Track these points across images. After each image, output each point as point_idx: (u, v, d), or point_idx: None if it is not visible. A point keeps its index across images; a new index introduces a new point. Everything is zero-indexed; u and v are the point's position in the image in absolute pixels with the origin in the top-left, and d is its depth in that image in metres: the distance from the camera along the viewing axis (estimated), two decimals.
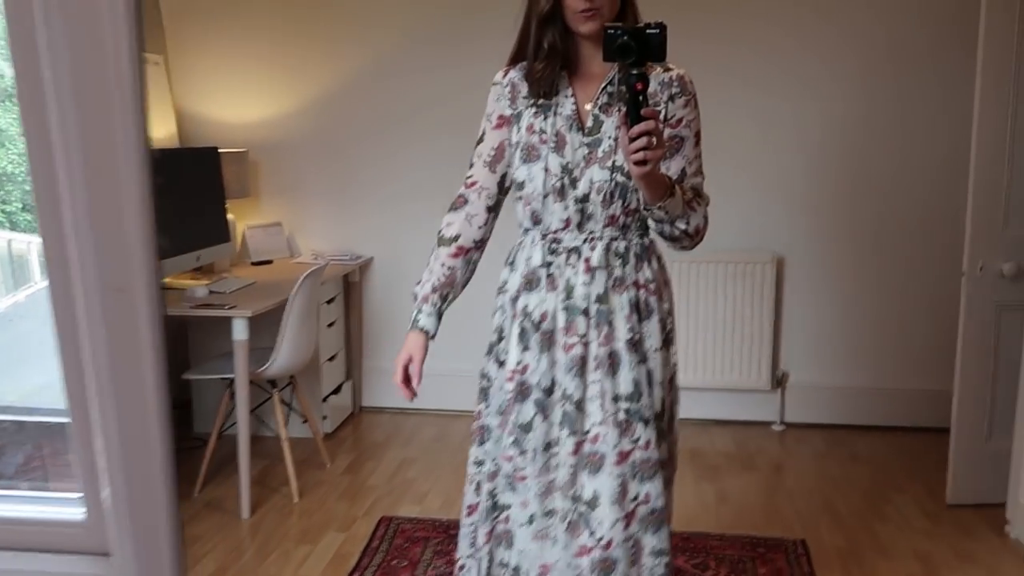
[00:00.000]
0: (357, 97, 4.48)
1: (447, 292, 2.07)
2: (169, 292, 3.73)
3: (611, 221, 1.95)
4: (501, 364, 2.07)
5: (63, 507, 1.38)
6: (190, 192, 3.94)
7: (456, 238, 2.05)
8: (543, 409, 1.98)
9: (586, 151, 1.95)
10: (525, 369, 1.99)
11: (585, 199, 1.94)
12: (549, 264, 1.99)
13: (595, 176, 1.93)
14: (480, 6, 4.18)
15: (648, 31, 1.76)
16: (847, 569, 3.05)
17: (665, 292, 2.04)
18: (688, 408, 4.39)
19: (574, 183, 1.94)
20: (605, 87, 1.97)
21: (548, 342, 1.97)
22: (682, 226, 1.91)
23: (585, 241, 1.96)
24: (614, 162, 1.92)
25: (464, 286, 2.11)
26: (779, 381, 4.40)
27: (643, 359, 1.97)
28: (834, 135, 4.24)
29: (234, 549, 3.22)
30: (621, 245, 1.97)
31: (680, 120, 1.96)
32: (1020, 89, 3.23)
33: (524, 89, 1.99)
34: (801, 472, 3.90)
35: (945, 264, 4.12)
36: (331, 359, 4.34)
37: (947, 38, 4.08)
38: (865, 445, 4.21)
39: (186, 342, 4.20)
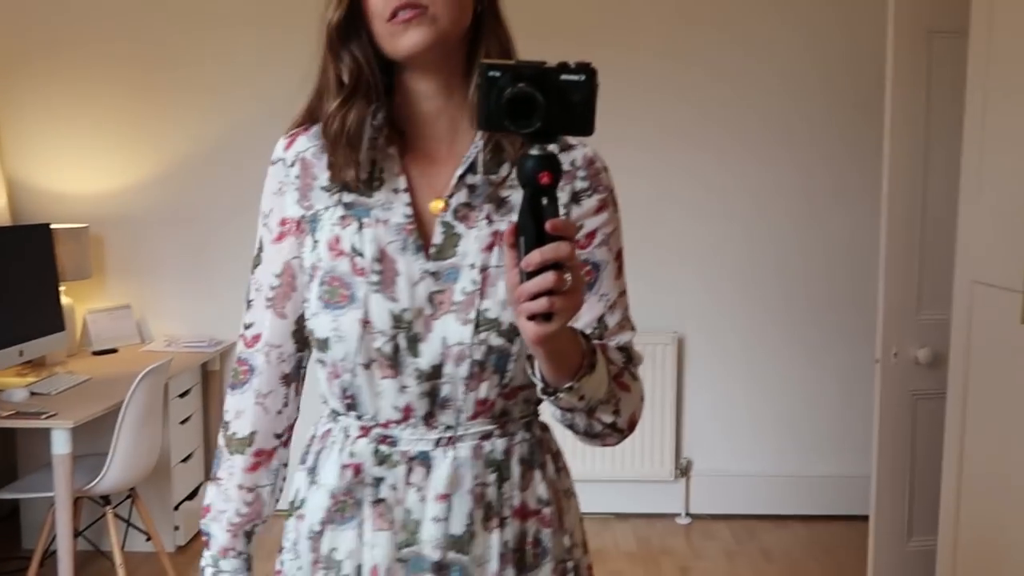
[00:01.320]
0: (213, 165, 4.03)
1: (255, 526, 1.29)
2: None
3: (481, 409, 1.18)
4: None
5: None
6: (16, 276, 3.44)
7: (251, 438, 1.27)
8: None
9: (432, 287, 1.16)
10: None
11: (435, 373, 1.16)
12: (378, 481, 1.19)
13: (449, 334, 1.15)
14: None
15: (563, 76, 0.97)
16: None
17: (567, 516, 1.29)
18: (588, 502, 4.00)
19: (414, 345, 1.15)
20: (464, 174, 1.18)
21: None
22: (607, 419, 1.16)
23: (438, 444, 1.18)
24: (480, 311, 1.14)
25: (276, 504, 1.32)
26: (683, 470, 4.07)
27: None
28: (739, 210, 3.99)
29: None
30: (498, 447, 1.20)
31: (592, 235, 1.21)
32: (929, 173, 3.03)
33: (322, 171, 1.21)
34: (710, 575, 3.55)
35: (856, 344, 3.89)
36: (185, 460, 3.83)
37: (857, 118, 3.88)
38: (777, 538, 3.90)
39: (14, 448, 3.65)
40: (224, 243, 4.07)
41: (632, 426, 1.22)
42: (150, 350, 3.92)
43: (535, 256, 0.94)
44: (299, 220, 1.23)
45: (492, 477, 1.19)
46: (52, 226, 3.69)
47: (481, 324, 1.14)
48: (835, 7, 3.89)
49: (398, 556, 1.17)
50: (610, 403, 1.15)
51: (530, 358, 1.10)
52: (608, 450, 3.93)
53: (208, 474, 3.97)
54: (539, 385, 1.10)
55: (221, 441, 1.28)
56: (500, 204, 1.19)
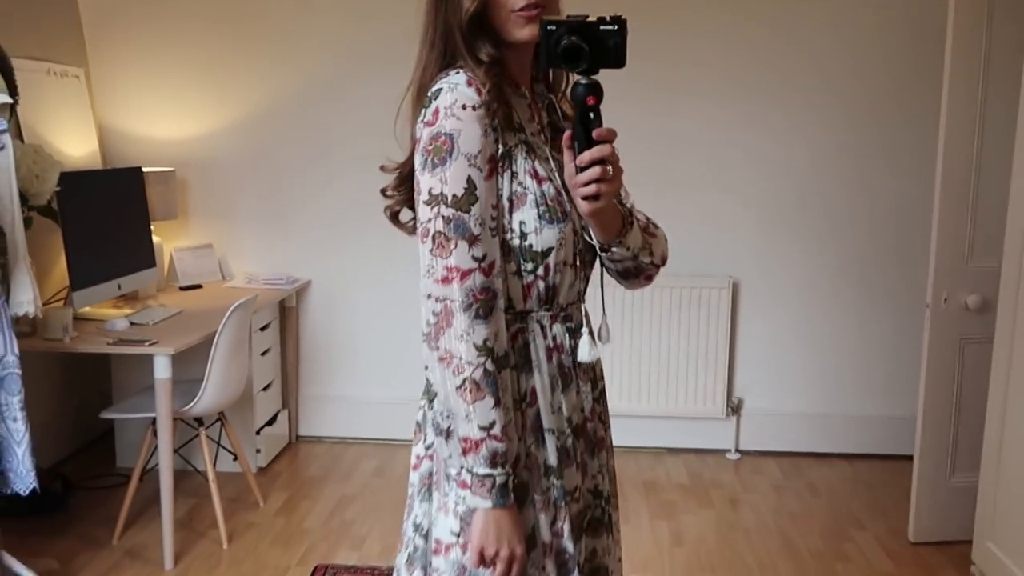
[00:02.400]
0: (293, 114, 4.24)
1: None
2: (88, 324, 3.47)
3: (590, 279, 1.57)
4: (556, 504, 1.48)
5: None
6: (112, 216, 3.67)
7: (507, 354, 1.41)
8: (600, 522, 1.58)
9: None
10: (578, 490, 1.51)
11: (587, 260, 1.52)
12: (572, 350, 1.51)
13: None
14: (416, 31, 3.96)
15: (603, 27, 1.32)
16: None
17: None
18: (642, 436, 4.27)
19: (588, 247, 1.51)
20: (547, 107, 1.54)
21: (592, 445, 1.56)
22: (646, 260, 1.53)
23: (583, 311, 1.55)
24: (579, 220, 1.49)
25: None
26: (734, 408, 4.25)
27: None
28: (795, 160, 4.10)
29: None
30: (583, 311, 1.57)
31: None
32: (985, 123, 3.12)
33: (501, 114, 1.42)
34: (758, 507, 3.75)
35: (907, 292, 4.01)
36: (265, 388, 4.09)
37: (913, 69, 3.97)
38: (823, 475, 4.07)
39: (109, 374, 3.93)
40: (300, 186, 4.29)
41: (664, 261, 1.59)
42: (232, 286, 4.17)
43: (585, 156, 1.33)
44: (499, 157, 1.41)
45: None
46: (143, 169, 3.93)
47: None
48: None
49: (592, 397, 1.55)
50: (646, 248, 1.54)
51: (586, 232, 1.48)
52: (663, 387, 4.14)
53: (285, 403, 4.25)
54: (597, 246, 1.49)
55: (486, 365, 1.35)
56: (560, 132, 1.48)
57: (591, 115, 1.33)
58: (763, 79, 4.07)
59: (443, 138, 1.36)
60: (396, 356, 4.36)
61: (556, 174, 1.45)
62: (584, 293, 1.55)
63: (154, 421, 3.26)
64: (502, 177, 1.41)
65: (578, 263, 1.49)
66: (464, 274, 1.35)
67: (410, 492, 1.56)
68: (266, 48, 4.22)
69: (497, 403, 1.35)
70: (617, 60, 1.34)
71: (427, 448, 1.52)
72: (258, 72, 4.23)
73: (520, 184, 1.42)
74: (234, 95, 4.25)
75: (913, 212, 3.98)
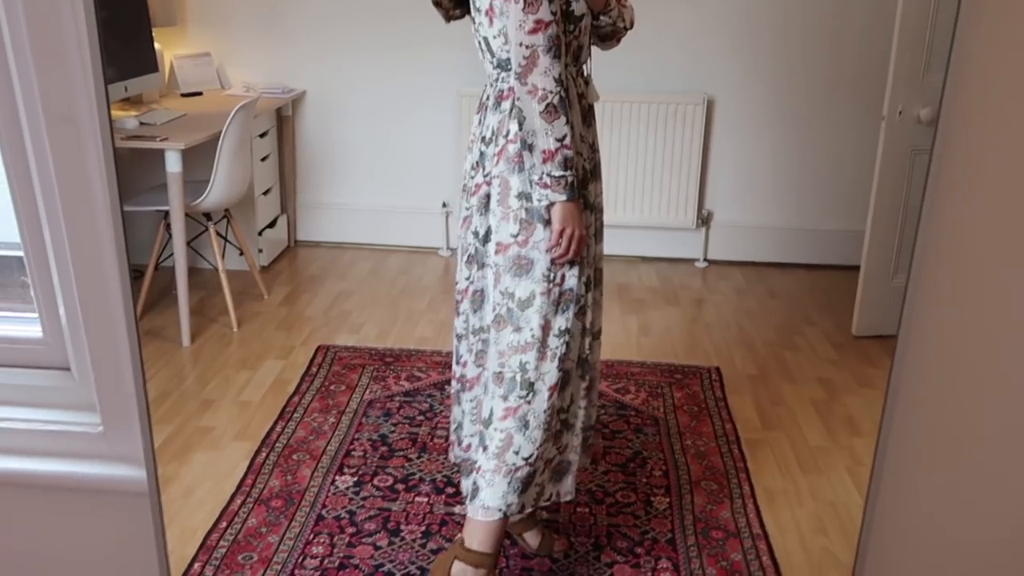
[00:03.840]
0: None
1: None
2: None
3: None
4: (586, 208, 2.03)
5: (22, 325, 1.46)
6: (115, 19, 3.81)
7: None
8: (599, 232, 2.13)
9: None
10: (595, 201, 2.07)
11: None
12: (576, 84, 2.00)
13: None
14: None
15: None
16: (755, 393, 3.29)
17: None
18: (615, 245, 4.57)
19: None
20: None
21: (598, 171, 2.09)
22: (621, 24, 2.04)
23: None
24: None
25: None
26: (704, 220, 4.56)
27: None
28: None
29: (175, 375, 3.33)
30: None
31: None
32: None
33: None
34: (720, 306, 4.11)
35: (869, 108, 4.23)
36: (265, 193, 4.35)
37: None
38: (782, 281, 4.43)
39: (117, 172, 4.15)
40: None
41: (632, 25, 2.08)
42: (231, 94, 4.35)
43: None
44: None
45: None
46: None
47: None
48: None
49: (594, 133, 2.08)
50: (621, 16, 2.03)
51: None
52: (638, 199, 4.42)
53: (284, 208, 4.52)
54: (591, 14, 1.95)
55: (560, 93, 1.81)
56: None
57: None
58: None
59: None
60: (389, 165, 4.61)
61: None
62: (589, 56, 2.04)
63: (166, 215, 3.53)
64: None
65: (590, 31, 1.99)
66: (547, 24, 1.78)
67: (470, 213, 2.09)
68: None
69: (567, 121, 1.83)
70: None
71: (485, 176, 2.01)
72: None
73: None
74: None
75: (879, 28, 4.14)
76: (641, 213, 4.51)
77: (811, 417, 3.14)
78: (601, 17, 1.99)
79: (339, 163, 4.64)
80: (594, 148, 2.07)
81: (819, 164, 4.47)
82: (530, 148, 1.85)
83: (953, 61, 2.89)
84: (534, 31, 1.78)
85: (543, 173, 1.85)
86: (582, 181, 1.97)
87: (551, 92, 1.80)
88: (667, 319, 3.94)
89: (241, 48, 4.50)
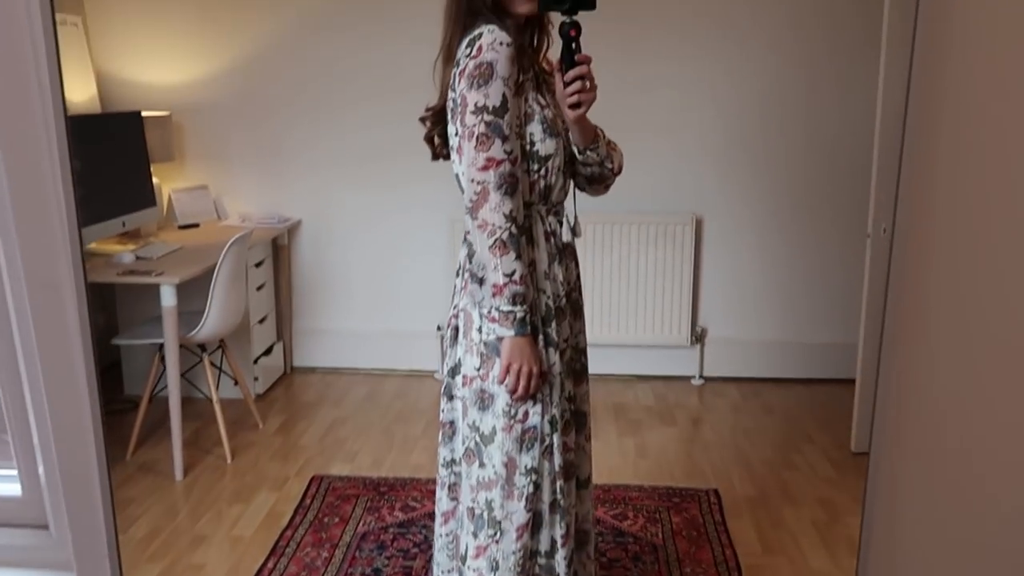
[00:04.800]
0: (284, 58, 4.47)
1: None
2: (95, 258, 3.73)
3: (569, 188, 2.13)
4: (549, 346, 2.01)
5: (1, 484, 1.46)
6: (114, 157, 3.92)
7: (522, 225, 1.93)
8: (579, 374, 2.13)
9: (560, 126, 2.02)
10: (568, 341, 2.06)
11: (567, 172, 2.05)
12: (561, 235, 2.05)
13: (567, 146, 2.05)
14: None
15: None
16: (755, 516, 3.24)
17: None
18: (611, 364, 4.59)
19: (571, 155, 2.06)
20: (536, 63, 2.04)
21: (575, 309, 2.11)
22: (609, 165, 2.06)
23: (567, 211, 2.08)
24: (568, 137, 2.04)
25: None
26: (698, 337, 4.57)
27: None
28: (749, 102, 4.37)
29: (168, 511, 3.29)
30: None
31: None
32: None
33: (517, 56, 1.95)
34: (717, 425, 4.09)
35: (853, 224, 4.30)
36: (261, 321, 4.38)
37: (851, 8, 4.22)
38: (779, 397, 4.41)
39: (114, 306, 4.20)
40: (290, 129, 4.54)
41: (620, 170, 2.10)
42: (227, 225, 4.43)
43: (571, 73, 1.88)
44: (520, 83, 1.91)
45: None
46: (142, 113, 4.17)
47: (567, 144, 2.04)
48: None
49: (577, 272, 2.12)
50: (609, 157, 2.06)
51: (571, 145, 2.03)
52: (632, 318, 4.45)
53: (280, 335, 4.54)
54: (576, 150, 2.02)
55: (511, 230, 1.86)
56: (544, 82, 2.04)
57: (574, 45, 1.88)
58: (718, 20, 4.32)
59: (485, 65, 1.84)
60: (383, 290, 4.65)
61: (551, 106, 1.98)
62: (567, 196, 2.08)
63: (161, 347, 3.55)
64: (520, 99, 1.92)
65: (566, 171, 2.03)
66: (498, 163, 1.84)
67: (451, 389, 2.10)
68: None
69: (517, 257, 1.86)
70: (591, 4, 1.88)
71: (453, 308, 2.06)
72: (249, 19, 4.45)
73: (530, 106, 1.94)
74: (227, 41, 4.47)
75: (858, 146, 4.24)
76: (635, 332, 4.53)
77: (813, 540, 3.09)
78: (587, 152, 2.02)
79: (334, 289, 4.69)
80: (571, 286, 2.08)
81: (810, 278, 4.52)
82: (480, 282, 1.88)
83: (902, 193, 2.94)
84: (485, 168, 1.84)
85: (492, 307, 1.87)
86: (545, 318, 1.98)
87: (500, 228, 1.84)
88: (664, 439, 3.91)
89: (237, 180, 4.61)
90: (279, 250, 4.60)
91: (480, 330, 1.95)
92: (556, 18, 1.98)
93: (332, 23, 4.42)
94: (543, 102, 1.96)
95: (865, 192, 3.62)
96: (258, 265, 4.33)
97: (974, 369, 2.01)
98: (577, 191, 2.14)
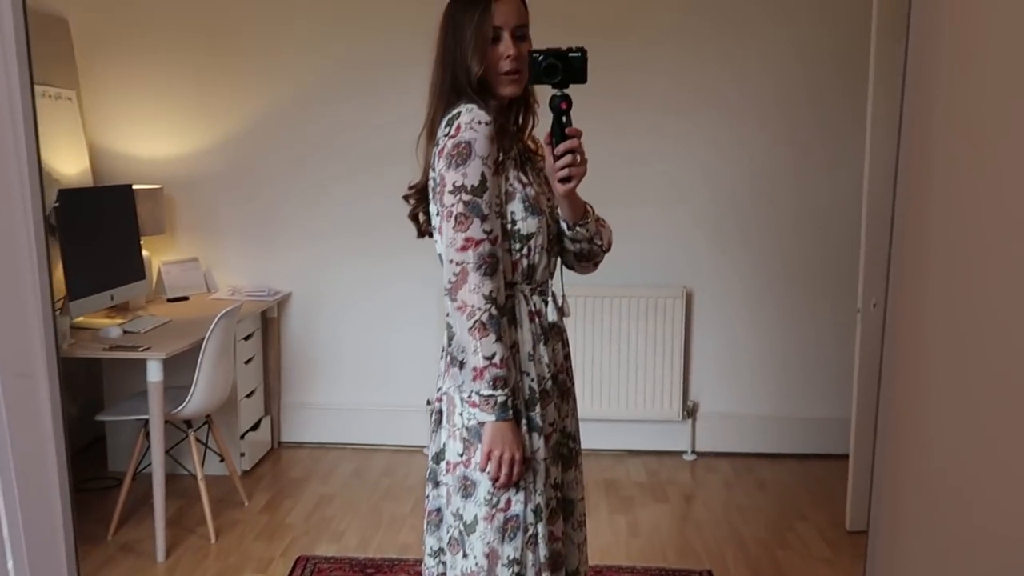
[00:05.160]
0: (274, 132, 4.50)
1: None
2: (82, 332, 3.70)
3: (556, 267, 2.08)
4: (533, 431, 1.95)
5: None
6: (104, 230, 3.92)
7: (504, 305, 1.90)
8: (568, 459, 2.06)
9: (547, 204, 2.01)
10: (555, 426, 2.00)
11: (555, 249, 2.04)
12: (545, 316, 2.01)
13: (552, 224, 2.02)
14: (399, 40, 4.26)
15: (571, 54, 1.89)
16: None
17: None
18: (602, 439, 4.54)
19: (557, 233, 2.03)
20: (520, 139, 2.04)
21: (563, 391, 2.06)
22: (599, 242, 2.04)
23: (553, 290, 2.05)
24: (556, 214, 2.02)
25: None
26: (690, 411, 4.54)
27: None
28: (739, 176, 4.41)
29: None
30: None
31: None
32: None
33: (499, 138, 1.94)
34: (710, 502, 4.03)
35: (843, 299, 4.30)
36: (249, 395, 4.34)
37: (837, 85, 4.28)
38: (772, 473, 4.36)
39: (100, 381, 4.16)
40: (281, 203, 4.56)
41: (610, 247, 2.07)
42: (217, 298, 4.41)
43: (561, 147, 1.87)
44: (499, 162, 1.91)
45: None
46: (133, 187, 4.18)
47: (558, 220, 2.02)
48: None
49: (564, 353, 2.07)
50: (598, 233, 2.03)
51: (560, 220, 2.01)
52: (622, 392, 4.41)
53: (268, 409, 4.49)
54: (565, 226, 1.99)
55: (491, 311, 1.83)
56: (529, 160, 2.05)
57: (564, 118, 1.88)
58: (708, 96, 4.38)
59: (463, 144, 1.85)
60: (373, 364, 4.62)
61: (534, 183, 1.97)
62: (554, 274, 2.05)
63: (146, 423, 3.50)
64: (501, 177, 1.92)
65: (551, 249, 2.00)
66: (477, 243, 1.83)
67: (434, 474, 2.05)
68: (249, 70, 4.49)
69: (498, 339, 1.82)
70: (582, 77, 1.90)
71: (438, 392, 2.02)
72: (241, 94, 4.50)
73: (511, 185, 1.93)
74: (218, 116, 4.51)
75: (848, 220, 4.26)
76: (626, 406, 4.49)
77: None
78: (577, 228, 1.99)
79: (323, 363, 4.65)
80: (557, 368, 2.03)
81: (801, 352, 4.50)
82: (460, 365, 1.84)
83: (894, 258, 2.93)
84: (464, 248, 1.83)
85: (472, 391, 1.84)
86: (528, 402, 1.94)
87: (479, 309, 1.81)
88: (656, 517, 3.85)
89: (228, 253, 4.60)
90: (268, 323, 4.57)
91: (462, 415, 1.91)
92: (543, 96, 1.99)
93: (324, 97, 4.47)
94: (525, 180, 1.95)
95: (855, 266, 3.63)
96: (247, 338, 4.30)
97: (972, 446, 1.98)
98: (565, 269, 2.12)
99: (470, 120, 1.85)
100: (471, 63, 1.89)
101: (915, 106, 2.59)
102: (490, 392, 1.82)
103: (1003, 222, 1.82)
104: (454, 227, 1.84)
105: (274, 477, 4.30)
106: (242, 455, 4.24)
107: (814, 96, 4.35)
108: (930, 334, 2.44)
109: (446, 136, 1.87)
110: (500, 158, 1.90)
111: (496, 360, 1.82)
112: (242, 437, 4.24)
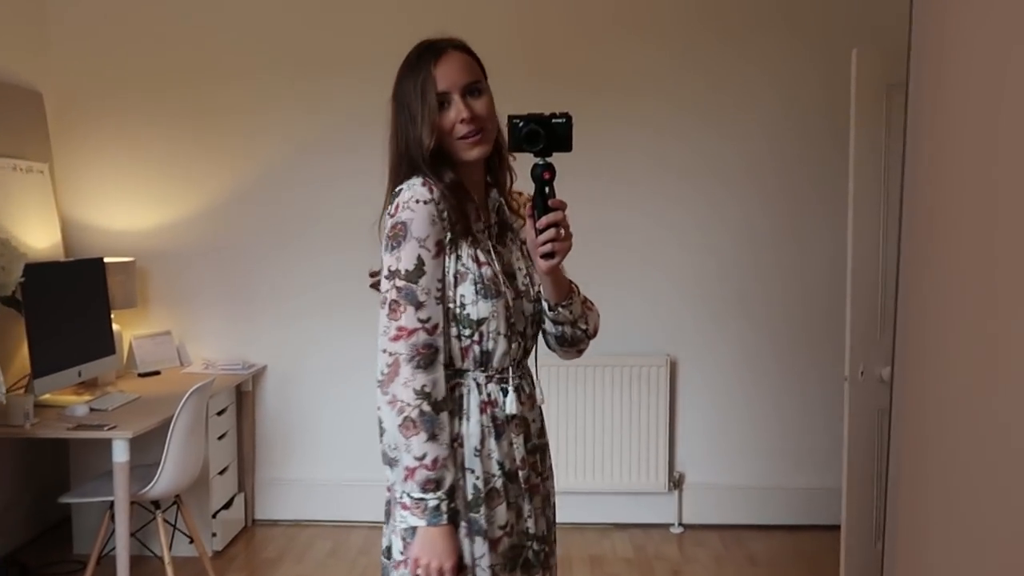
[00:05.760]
0: (250, 204, 4.44)
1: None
2: (48, 411, 3.58)
3: (529, 351, 1.91)
4: (476, 534, 1.76)
5: None
6: (73, 304, 3.82)
7: (445, 399, 1.73)
8: (531, 564, 1.86)
9: (517, 282, 1.86)
10: (512, 528, 1.80)
11: (524, 336, 1.85)
12: (504, 406, 1.82)
13: (526, 308, 1.85)
14: (376, 117, 4.22)
15: (554, 120, 1.76)
16: None
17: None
18: (587, 512, 4.41)
19: (520, 320, 1.84)
20: (497, 209, 1.89)
21: (531, 486, 1.85)
22: (583, 327, 1.89)
23: (522, 377, 1.87)
24: (538, 292, 1.86)
25: None
26: (676, 483, 4.42)
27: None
28: (723, 243, 4.37)
29: None
30: (531, 371, 1.92)
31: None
32: (889, 209, 3.37)
33: (447, 211, 1.76)
34: None
35: (831, 365, 4.22)
36: (222, 472, 4.19)
37: (830, 160, 4.19)
38: (762, 545, 4.23)
39: (67, 460, 4.02)
40: (255, 275, 4.48)
41: (595, 332, 1.94)
42: (189, 372, 4.30)
43: (543, 220, 1.73)
44: (445, 243, 1.76)
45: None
46: (104, 260, 4.09)
47: (535, 301, 1.86)
48: (807, 63, 4.27)
49: (528, 447, 1.85)
50: (584, 317, 1.89)
51: (542, 298, 1.85)
52: (606, 463, 4.31)
53: (242, 486, 4.35)
54: (546, 306, 1.85)
55: (422, 407, 1.68)
56: (509, 229, 1.90)
57: (547, 188, 1.74)
58: (689, 163, 4.35)
59: (399, 225, 1.72)
60: (349, 440, 4.49)
61: (495, 262, 1.80)
62: (521, 361, 1.87)
63: (112, 505, 3.36)
64: (449, 258, 1.77)
65: (512, 334, 1.81)
66: (411, 332, 1.70)
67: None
68: (222, 143, 4.45)
69: (431, 438, 1.67)
70: (566, 145, 1.77)
71: (388, 483, 1.82)
72: (217, 162, 4.45)
73: (463, 265, 1.77)
74: (192, 187, 4.46)
75: (832, 286, 4.21)
76: (610, 478, 4.37)
77: None
78: (559, 309, 1.84)
79: (299, 438, 4.53)
80: (515, 464, 1.82)
81: (789, 421, 4.41)
82: (391, 463, 1.70)
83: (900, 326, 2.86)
84: (396, 338, 1.69)
85: (402, 492, 1.69)
86: (471, 503, 1.75)
87: (409, 405, 1.67)
88: None
89: (201, 326, 4.51)
90: (243, 397, 4.45)
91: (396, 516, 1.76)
92: (526, 158, 1.85)
93: (299, 170, 4.42)
94: (482, 259, 1.78)
95: (839, 332, 3.56)
96: (220, 413, 4.18)
97: (981, 536, 1.89)
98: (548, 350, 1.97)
99: (408, 199, 1.72)
100: (422, 135, 1.75)
101: (916, 167, 2.55)
102: (420, 495, 1.67)
103: (1005, 288, 1.76)
104: (387, 315, 1.71)
105: (247, 557, 4.14)
106: (214, 535, 4.09)
107: (800, 161, 4.33)
108: (934, 411, 2.35)
109: (388, 215, 1.75)
110: (448, 237, 1.74)
111: (427, 461, 1.66)
112: (214, 516, 4.09)
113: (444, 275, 1.75)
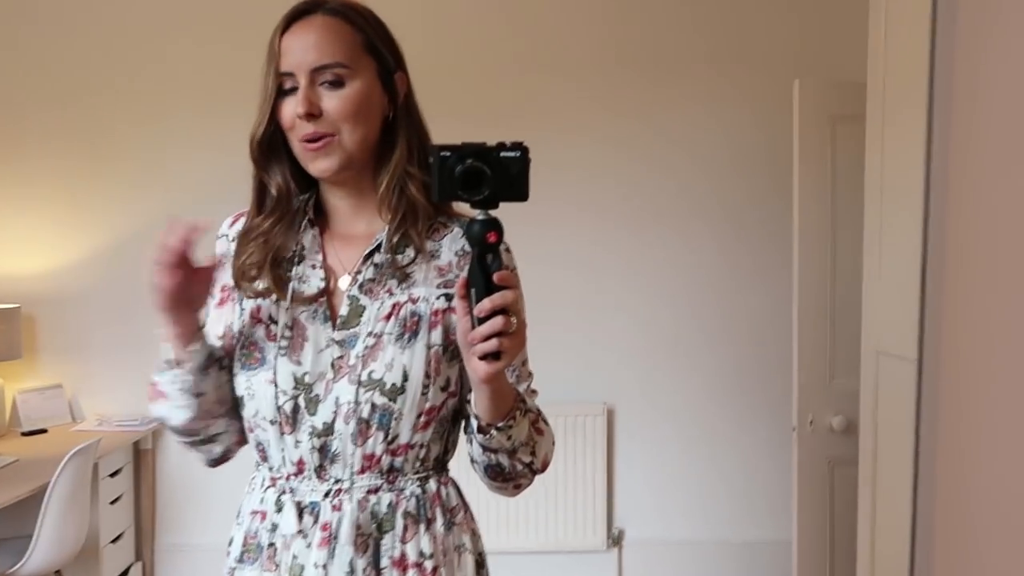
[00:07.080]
0: (149, 244, 4.04)
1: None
2: None
3: (368, 464, 1.30)
4: None
5: None
6: None
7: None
8: None
9: (336, 354, 1.30)
10: None
11: (327, 431, 1.29)
12: (274, 527, 1.32)
13: (342, 394, 1.28)
14: None
15: (503, 153, 1.18)
16: None
17: (458, 571, 1.35)
18: (519, 573, 4.08)
19: (312, 405, 1.29)
20: (372, 252, 1.34)
21: None
22: (526, 459, 1.30)
23: (327, 495, 1.30)
24: (369, 373, 1.28)
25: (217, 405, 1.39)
26: (615, 539, 4.12)
27: None
28: (664, 287, 4.11)
29: None
30: (384, 500, 1.31)
31: None
32: (836, 249, 3.18)
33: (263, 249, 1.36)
34: None
35: (777, 413, 4.00)
36: (115, 540, 3.79)
37: (772, 199, 3.99)
38: None
39: None
40: (156, 321, 4.08)
41: (545, 467, 1.36)
42: (81, 429, 3.89)
43: (486, 304, 1.12)
44: (232, 289, 1.38)
45: (374, 528, 1.29)
46: None
47: (365, 384, 1.27)
48: (748, 98, 4.07)
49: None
50: (529, 445, 1.30)
51: (467, 404, 1.29)
52: (541, 520, 4.00)
53: (140, 554, 3.95)
54: (475, 425, 1.26)
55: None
56: (404, 279, 1.34)
57: (491, 256, 1.15)
58: (625, 205, 4.10)
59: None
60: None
61: (316, 314, 1.33)
62: (326, 468, 1.31)
63: None
64: (233, 311, 1.37)
65: (286, 425, 1.30)
66: None
67: None
68: (115, 181, 4.08)
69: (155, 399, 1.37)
70: (521, 191, 1.18)
71: None
72: (108, 205, 4.08)
73: (242, 321, 1.37)
74: (83, 229, 4.08)
75: (782, 331, 4.00)
76: (544, 536, 4.05)
77: None
78: (493, 432, 1.25)
79: (204, 499, 4.13)
80: None
81: (732, 472, 4.15)
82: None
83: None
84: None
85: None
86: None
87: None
88: None
89: (97, 378, 4.11)
90: (141, 455, 4.05)
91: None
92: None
93: (201, 209, 4.06)
94: (266, 312, 1.35)
95: (789, 380, 3.34)
96: (114, 475, 3.78)
97: None
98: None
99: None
100: (255, 127, 1.33)
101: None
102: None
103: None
104: None
105: None
106: None
107: (741, 198, 4.10)
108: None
109: None
110: (235, 282, 1.37)
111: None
112: None
113: (230, 328, 1.38)
